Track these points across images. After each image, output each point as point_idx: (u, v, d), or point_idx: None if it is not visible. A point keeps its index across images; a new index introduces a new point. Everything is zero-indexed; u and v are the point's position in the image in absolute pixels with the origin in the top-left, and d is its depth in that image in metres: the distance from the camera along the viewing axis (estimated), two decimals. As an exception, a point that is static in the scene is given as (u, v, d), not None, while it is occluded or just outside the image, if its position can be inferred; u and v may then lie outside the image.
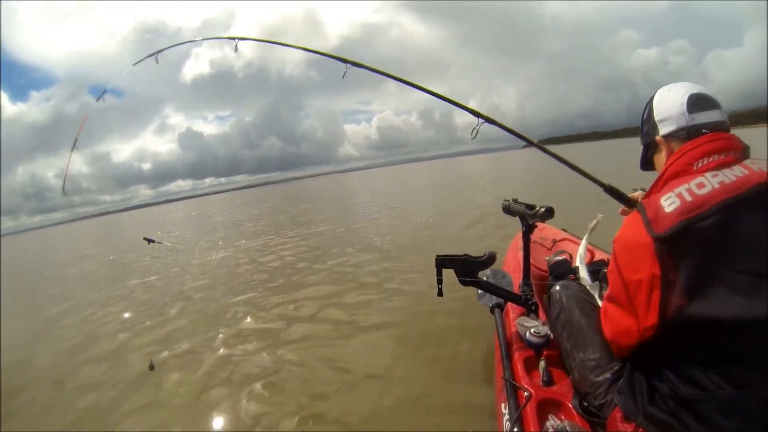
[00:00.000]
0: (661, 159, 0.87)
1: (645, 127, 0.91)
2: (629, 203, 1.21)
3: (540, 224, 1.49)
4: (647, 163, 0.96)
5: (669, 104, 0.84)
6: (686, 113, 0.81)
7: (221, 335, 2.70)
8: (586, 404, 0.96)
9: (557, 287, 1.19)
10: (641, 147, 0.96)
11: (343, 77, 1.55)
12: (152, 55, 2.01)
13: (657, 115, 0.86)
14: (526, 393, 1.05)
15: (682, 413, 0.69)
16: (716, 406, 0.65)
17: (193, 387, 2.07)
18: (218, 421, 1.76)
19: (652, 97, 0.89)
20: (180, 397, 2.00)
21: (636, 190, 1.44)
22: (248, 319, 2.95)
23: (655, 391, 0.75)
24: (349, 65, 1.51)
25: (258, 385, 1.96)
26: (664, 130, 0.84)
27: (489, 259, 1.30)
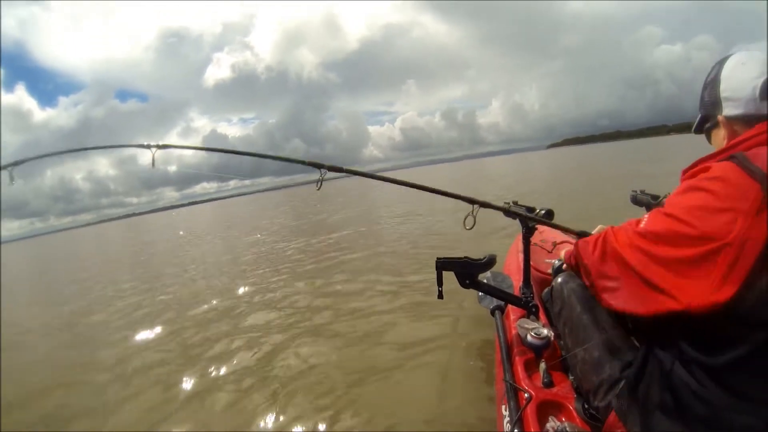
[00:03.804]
0: (719, 134, 0.79)
1: (707, 96, 0.81)
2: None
3: (540, 227, 1.49)
4: (701, 129, 0.88)
5: (740, 83, 0.74)
6: (758, 99, 0.72)
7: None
8: (587, 406, 0.96)
9: (559, 280, 1.16)
10: (699, 113, 0.86)
11: (318, 188, 1.32)
12: (6, 167, 1.34)
13: (723, 90, 0.76)
14: (526, 395, 1.05)
15: (698, 425, 0.63)
16: (753, 422, 0.59)
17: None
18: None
19: (723, 63, 0.78)
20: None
21: (635, 191, 1.45)
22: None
23: (668, 397, 0.67)
24: (324, 171, 1.28)
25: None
26: (728, 110, 0.76)
27: (489, 262, 1.30)
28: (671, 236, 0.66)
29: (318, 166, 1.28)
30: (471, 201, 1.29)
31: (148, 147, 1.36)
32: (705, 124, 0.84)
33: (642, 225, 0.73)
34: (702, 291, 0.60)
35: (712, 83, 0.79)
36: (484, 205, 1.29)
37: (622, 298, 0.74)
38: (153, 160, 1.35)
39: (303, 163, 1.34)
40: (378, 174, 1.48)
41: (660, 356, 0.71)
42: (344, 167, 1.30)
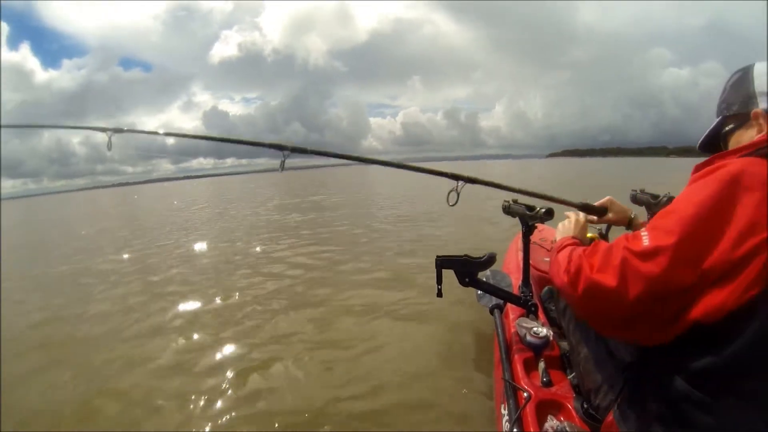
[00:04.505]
0: (745, 134, 0.75)
1: (733, 96, 0.78)
2: (599, 212, 1.23)
3: (540, 225, 1.49)
4: (712, 142, 0.84)
5: None
6: None
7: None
8: (586, 406, 0.96)
9: None
10: (716, 120, 0.82)
11: (281, 169, 1.26)
12: None
13: (759, 86, 0.74)
14: (525, 394, 1.05)
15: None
16: (759, 427, 0.54)
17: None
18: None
19: (749, 67, 0.77)
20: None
21: (635, 191, 1.44)
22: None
23: (667, 408, 0.62)
24: (287, 152, 1.23)
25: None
26: (765, 104, 0.72)
27: (489, 260, 1.30)
28: (693, 246, 0.57)
29: (280, 147, 1.23)
30: (456, 177, 1.27)
31: (105, 130, 1.28)
32: (724, 128, 0.80)
33: (646, 242, 0.61)
34: (724, 298, 0.54)
35: (740, 83, 0.77)
36: (470, 180, 1.27)
37: (623, 332, 0.69)
38: (109, 143, 1.26)
39: (266, 145, 1.28)
40: (348, 155, 1.42)
41: (657, 365, 0.67)
42: (307, 148, 1.25)
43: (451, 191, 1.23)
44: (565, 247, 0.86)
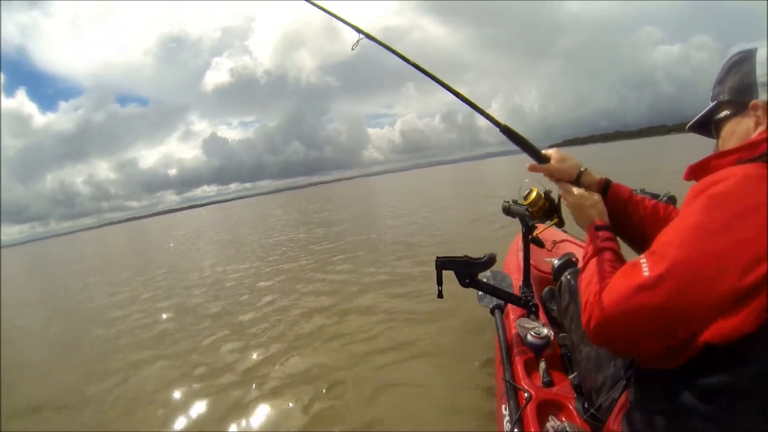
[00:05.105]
0: (741, 124, 0.69)
1: (730, 81, 0.72)
2: (540, 158, 0.94)
3: (540, 225, 1.49)
4: (706, 125, 0.79)
5: None
6: None
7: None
8: (587, 406, 0.95)
9: (567, 275, 1.15)
10: (710, 104, 0.76)
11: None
12: None
13: (761, 75, 0.68)
14: (526, 394, 1.05)
15: None
16: None
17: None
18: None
19: (750, 54, 0.70)
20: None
21: (635, 190, 1.44)
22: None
23: (674, 423, 0.59)
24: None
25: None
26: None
27: (489, 261, 1.30)
28: (698, 270, 0.52)
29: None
30: (356, 29, 1.25)
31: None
32: (717, 114, 0.74)
33: (646, 272, 0.56)
34: (740, 322, 0.51)
35: (739, 68, 0.71)
36: (369, 36, 1.25)
37: (637, 354, 0.68)
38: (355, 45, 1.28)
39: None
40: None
41: (662, 376, 0.62)
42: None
43: (354, 45, 1.27)
44: (593, 256, 0.73)
